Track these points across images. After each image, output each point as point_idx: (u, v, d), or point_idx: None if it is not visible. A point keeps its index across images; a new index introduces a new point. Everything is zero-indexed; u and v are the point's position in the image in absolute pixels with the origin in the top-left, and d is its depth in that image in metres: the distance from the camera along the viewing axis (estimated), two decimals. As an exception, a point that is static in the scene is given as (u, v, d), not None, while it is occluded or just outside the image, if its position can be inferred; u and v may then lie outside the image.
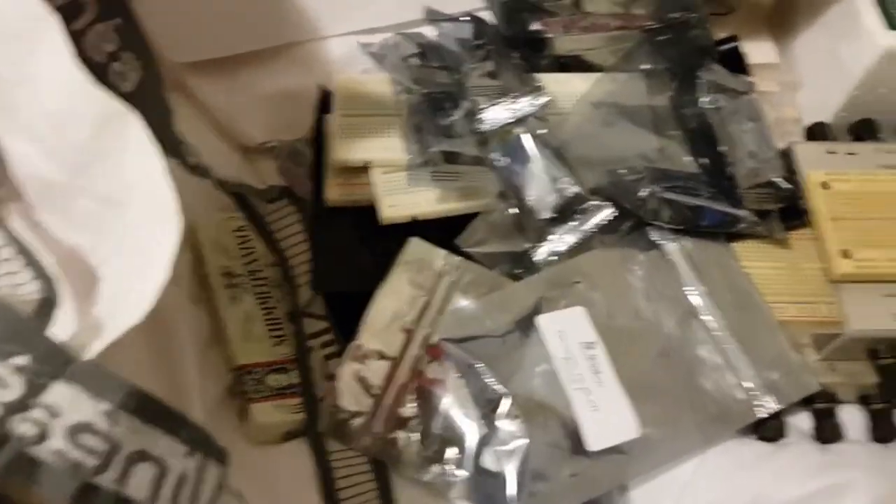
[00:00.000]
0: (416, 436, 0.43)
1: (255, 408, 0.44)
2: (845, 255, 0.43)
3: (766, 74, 0.53)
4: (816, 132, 0.50)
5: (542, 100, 0.46)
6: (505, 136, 0.46)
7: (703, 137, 0.48)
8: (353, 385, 0.44)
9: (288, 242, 0.49)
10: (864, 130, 0.50)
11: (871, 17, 0.48)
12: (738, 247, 0.47)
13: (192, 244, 0.47)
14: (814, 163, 0.46)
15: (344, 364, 0.44)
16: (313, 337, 0.48)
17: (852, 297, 0.43)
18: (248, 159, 0.52)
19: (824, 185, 0.45)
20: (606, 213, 0.45)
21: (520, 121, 0.46)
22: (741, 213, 0.45)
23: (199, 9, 0.50)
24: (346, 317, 0.46)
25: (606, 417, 0.42)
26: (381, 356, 0.44)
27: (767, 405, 0.43)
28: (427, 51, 0.49)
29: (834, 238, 0.43)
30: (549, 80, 0.49)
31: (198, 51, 0.51)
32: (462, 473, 0.42)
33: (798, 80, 0.53)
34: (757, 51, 0.53)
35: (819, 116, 0.52)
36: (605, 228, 0.46)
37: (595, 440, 0.41)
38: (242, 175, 0.51)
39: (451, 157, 0.45)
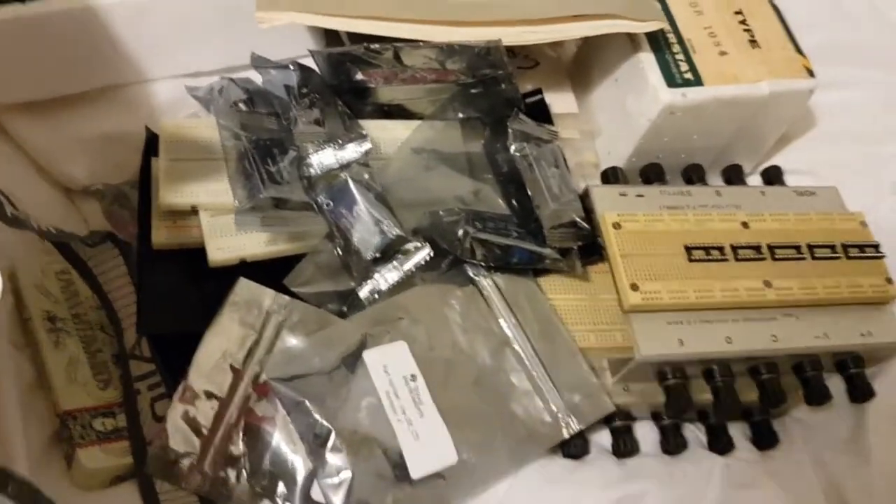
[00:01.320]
0: (245, 474, 0.46)
1: (82, 453, 0.45)
2: (634, 287, 0.49)
3: (567, 123, 0.59)
4: (610, 175, 0.57)
5: (366, 146, 0.51)
6: (331, 181, 0.50)
7: (512, 182, 0.54)
8: (182, 426, 0.46)
9: (112, 285, 0.51)
10: (652, 173, 0.58)
11: (654, 75, 0.55)
12: (545, 281, 0.53)
13: (13, 288, 0.48)
14: (608, 204, 0.53)
15: (173, 405, 0.46)
16: (140, 379, 0.49)
17: (642, 325, 0.49)
18: (72, 202, 0.53)
19: (616, 226, 0.52)
20: (425, 253, 0.49)
21: (344, 166, 0.50)
22: (545, 251, 0.51)
23: (17, 50, 0.50)
24: (174, 358, 0.48)
25: (427, 446, 0.46)
26: (210, 396, 0.46)
27: (571, 426, 0.49)
28: (254, 96, 0.52)
29: (624, 273, 0.50)
30: (372, 126, 0.54)
31: (17, 92, 0.51)
32: (292, 507, 0.45)
33: (596, 129, 0.61)
34: (559, 101, 0.59)
35: (614, 161, 0.59)
36: (426, 266, 0.51)
37: (417, 468, 0.46)
38: (66, 218, 0.52)
39: (279, 203, 0.48)
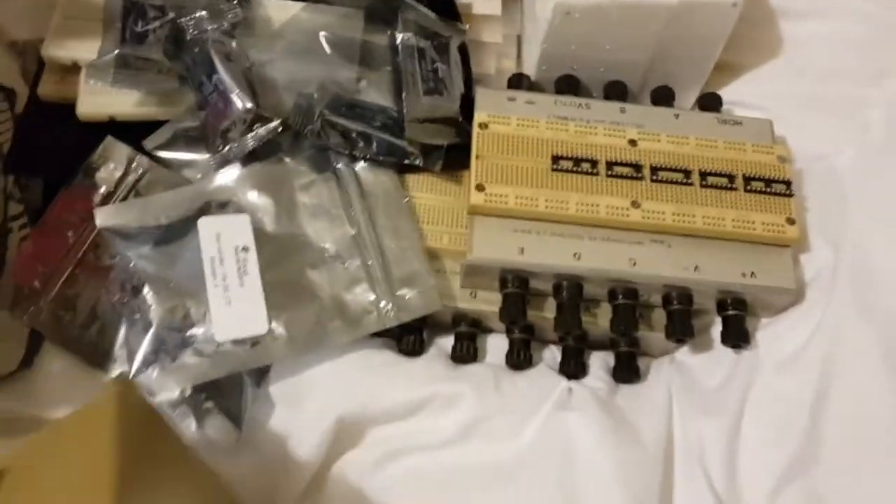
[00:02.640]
0: (79, 317, 0.50)
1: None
2: (479, 188, 0.49)
3: (490, 25, 0.59)
4: (514, 82, 0.57)
5: (236, 18, 0.53)
6: (200, 48, 0.52)
7: (396, 73, 0.54)
8: (32, 263, 0.51)
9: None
10: (565, 85, 0.57)
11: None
12: (414, 178, 0.54)
13: None
14: (486, 106, 0.53)
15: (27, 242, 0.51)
16: (14, 219, 0.54)
17: (482, 229, 0.49)
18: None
19: (482, 126, 0.51)
20: (273, 126, 0.51)
21: (219, 34, 0.53)
22: (402, 144, 0.51)
23: None
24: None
25: (239, 313, 0.49)
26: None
27: (390, 317, 0.50)
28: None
29: (475, 173, 0.50)
30: (271, 4, 0.56)
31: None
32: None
33: (518, 34, 0.60)
34: (483, 2, 0.59)
35: (528, 70, 0.58)
36: (290, 149, 0.53)
37: (223, 332, 0.48)
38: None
39: (143, 63, 0.52)
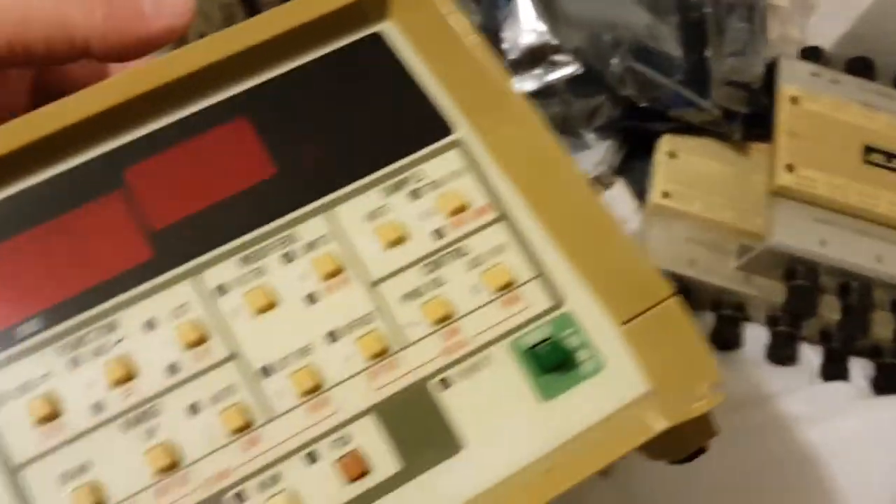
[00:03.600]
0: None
1: None
2: (789, 168, 0.47)
3: (782, -10, 0.56)
4: (809, 55, 0.54)
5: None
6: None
7: (696, 28, 0.51)
8: None
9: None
10: (858, 68, 0.54)
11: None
12: (694, 141, 0.51)
13: None
14: (792, 79, 0.50)
15: None
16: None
17: (784, 212, 0.47)
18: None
19: (793, 100, 0.49)
20: (571, 70, 0.49)
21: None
22: (706, 104, 0.49)
23: None
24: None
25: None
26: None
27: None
28: None
29: (784, 150, 0.47)
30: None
31: None
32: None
33: (813, 4, 0.57)
34: (780, -35, 0.56)
35: (821, 43, 0.55)
36: (573, 91, 0.50)
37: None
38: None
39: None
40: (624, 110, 0.51)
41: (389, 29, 0.27)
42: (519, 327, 0.24)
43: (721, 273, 0.50)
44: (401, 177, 0.25)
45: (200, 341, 0.23)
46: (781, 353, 0.50)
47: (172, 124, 0.25)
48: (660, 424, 0.22)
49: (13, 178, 0.24)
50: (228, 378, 0.23)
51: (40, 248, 0.24)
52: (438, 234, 0.25)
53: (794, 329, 0.50)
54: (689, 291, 0.50)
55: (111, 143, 0.25)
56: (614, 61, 0.49)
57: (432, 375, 0.24)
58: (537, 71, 0.49)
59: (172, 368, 0.23)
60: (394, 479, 0.23)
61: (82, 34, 0.24)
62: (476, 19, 0.50)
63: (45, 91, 0.28)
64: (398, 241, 0.25)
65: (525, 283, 0.25)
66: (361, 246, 0.25)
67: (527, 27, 0.49)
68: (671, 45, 0.51)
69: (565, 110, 0.51)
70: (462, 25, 0.25)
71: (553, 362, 0.23)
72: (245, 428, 0.23)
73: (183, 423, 0.23)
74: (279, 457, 0.23)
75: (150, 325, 0.23)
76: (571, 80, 0.50)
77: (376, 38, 0.27)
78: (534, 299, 0.24)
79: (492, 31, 0.49)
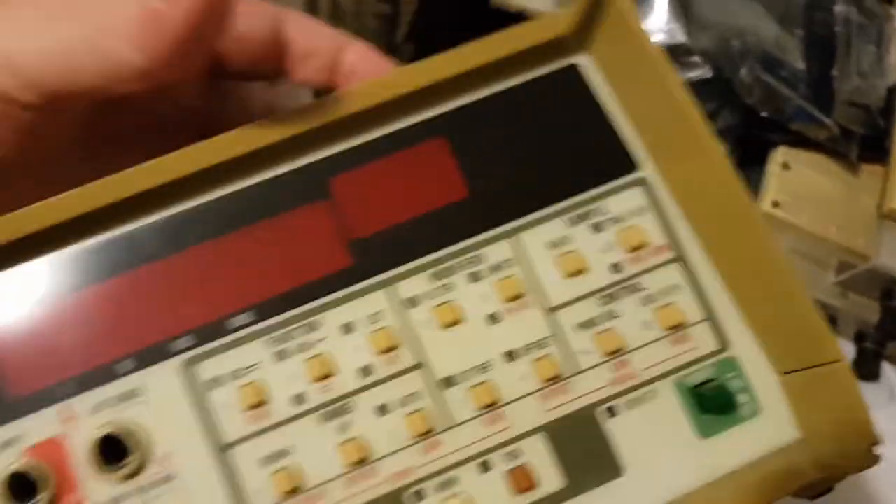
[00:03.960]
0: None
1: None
2: (904, 194, 0.48)
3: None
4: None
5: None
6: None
7: (821, 44, 0.51)
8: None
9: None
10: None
11: None
12: (806, 155, 0.52)
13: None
14: (915, 104, 0.50)
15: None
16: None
17: (893, 234, 0.48)
18: None
19: (914, 126, 0.49)
20: (701, 72, 0.49)
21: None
22: (828, 121, 0.49)
23: None
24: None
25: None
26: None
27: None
28: None
29: (901, 176, 0.48)
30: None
31: None
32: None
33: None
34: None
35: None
36: (697, 92, 0.51)
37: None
38: None
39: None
40: (743, 117, 0.51)
41: (587, 61, 0.28)
42: (685, 366, 0.26)
43: (819, 285, 0.51)
44: (585, 209, 0.27)
45: (391, 348, 0.25)
46: (866, 369, 0.51)
47: (376, 139, 0.27)
48: (813, 474, 0.24)
49: (230, 179, 0.26)
50: (414, 385, 0.25)
51: (252, 246, 0.25)
52: (616, 268, 0.26)
53: (881, 348, 0.51)
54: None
55: (320, 153, 0.26)
56: (744, 70, 0.49)
57: (600, 403, 0.25)
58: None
59: (365, 371, 0.25)
60: (558, 494, 0.25)
61: (128, 63, 0.23)
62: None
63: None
64: (578, 272, 0.26)
65: (695, 324, 0.26)
66: (542, 273, 0.26)
67: (660, 26, 0.49)
68: (795, 56, 0.52)
69: (685, 110, 0.51)
70: (662, 63, 0.26)
71: (716, 404, 0.25)
72: (428, 433, 0.25)
73: (373, 421, 0.25)
74: (456, 462, 0.25)
75: (347, 328, 0.25)
76: (696, 82, 0.51)
77: (573, 70, 0.28)
78: (701, 341, 0.26)
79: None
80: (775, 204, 0.50)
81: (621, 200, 0.27)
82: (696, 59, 0.50)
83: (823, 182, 0.51)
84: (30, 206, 0.24)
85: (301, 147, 0.26)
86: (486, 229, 0.26)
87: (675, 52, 0.50)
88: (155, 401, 0.24)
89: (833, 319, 0.51)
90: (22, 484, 0.23)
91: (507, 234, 0.26)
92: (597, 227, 0.27)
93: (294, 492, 0.24)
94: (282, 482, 0.24)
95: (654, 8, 0.50)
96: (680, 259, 0.26)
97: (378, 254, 0.26)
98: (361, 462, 0.24)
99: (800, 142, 0.51)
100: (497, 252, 0.26)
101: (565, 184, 0.27)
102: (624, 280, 0.26)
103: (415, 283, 0.26)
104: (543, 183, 0.27)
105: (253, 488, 0.24)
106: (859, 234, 0.50)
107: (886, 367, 0.52)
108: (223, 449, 0.24)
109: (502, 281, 0.26)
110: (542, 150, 0.27)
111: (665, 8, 0.50)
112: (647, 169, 0.27)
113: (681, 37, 0.49)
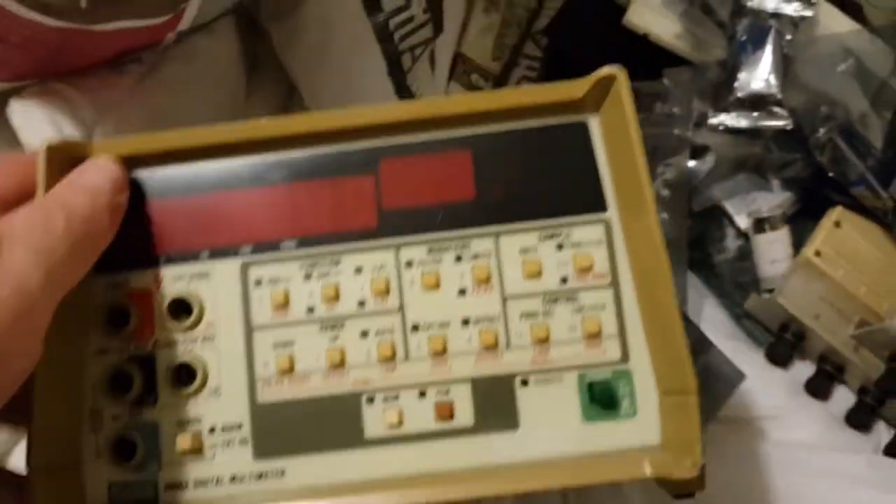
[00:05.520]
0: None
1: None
2: (928, 275, 0.51)
3: None
4: None
5: (808, 13, 0.53)
6: (757, 18, 0.54)
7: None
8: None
9: None
10: None
11: None
12: (861, 220, 0.55)
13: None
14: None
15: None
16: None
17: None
18: None
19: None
20: (783, 123, 0.53)
21: (776, 15, 0.54)
22: (884, 194, 0.53)
23: None
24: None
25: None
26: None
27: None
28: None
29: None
30: (824, 9, 0.56)
31: None
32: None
33: None
34: None
35: None
36: (777, 143, 0.55)
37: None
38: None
39: (705, 8, 0.54)
40: (812, 173, 0.55)
41: (593, 121, 0.34)
42: (590, 366, 0.33)
43: (836, 335, 0.55)
44: (556, 230, 0.34)
45: (384, 292, 0.33)
46: (859, 419, 0.55)
47: (422, 141, 0.34)
48: (648, 472, 0.30)
49: (316, 144, 0.34)
50: (391, 322, 0.33)
51: (312, 194, 0.34)
52: (564, 280, 0.33)
53: (878, 404, 0.55)
54: (803, 338, 0.55)
55: (380, 141, 0.34)
56: (822, 130, 0.53)
57: (518, 374, 0.33)
58: (755, 114, 0.54)
59: (361, 303, 0.33)
60: (466, 429, 0.32)
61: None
62: (721, 54, 0.55)
63: None
64: (534, 275, 0.33)
65: (608, 336, 0.33)
66: (508, 268, 0.33)
67: (761, 75, 0.54)
68: (875, 135, 0.55)
69: (764, 154, 0.55)
70: (637, 137, 0.32)
71: (603, 399, 0.32)
72: (391, 358, 0.33)
73: (355, 339, 0.33)
74: (404, 384, 0.33)
75: (358, 270, 0.34)
76: (779, 132, 0.55)
77: (582, 126, 0.34)
78: (609, 350, 0.33)
79: (731, 68, 0.54)
80: (817, 253, 0.54)
81: (585, 231, 0.34)
82: (782, 111, 0.54)
83: (867, 247, 0.55)
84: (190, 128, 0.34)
85: (369, 133, 0.34)
86: (478, 226, 0.34)
87: (765, 101, 0.54)
88: (216, 284, 0.34)
89: (841, 369, 0.55)
90: (118, 314, 0.33)
91: (493, 234, 0.34)
92: (559, 246, 0.33)
93: (287, 372, 0.33)
94: (282, 362, 0.33)
95: (759, 61, 0.54)
96: (613, 286, 0.33)
97: (396, 223, 0.34)
98: (339, 365, 0.33)
99: (856, 207, 0.55)
100: (481, 245, 0.34)
101: (547, 207, 0.34)
102: (566, 290, 0.33)
103: (415, 251, 0.34)
104: (531, 203, 0.34)
105: (261, 361, 0.33)
106: (885, 300, 0.53)
107: (881, 426, 0.56)
108: (250, 329, 0.33)
109: (478, 266, 0.33)
110: (539, 178, 0.34)
111: (769, 62, 0.54)
112: (612, 212, 0.34)
113: (775, 90, 0.53)
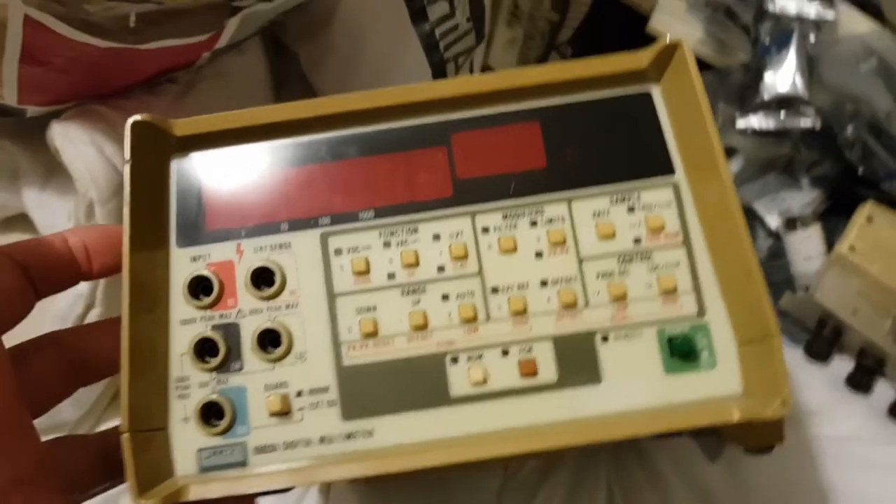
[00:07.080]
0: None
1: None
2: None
3: None
4: None
5: (829, 15, 0.55)
6: (780, 22, 0.56)
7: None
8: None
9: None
10: None
11: None
12: (893, 215, 0.56)
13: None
14: None
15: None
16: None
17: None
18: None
19: None
20: (809, 122, 0.55)
21: (800, 19, 0.56)
22: (913, 188, 0.54)
23: None
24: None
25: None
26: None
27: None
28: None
29: (965, 249, 0.52)
30: (845, 11, 0.58)
31: None
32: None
33: None
34: None
35: None
36: (805, 140, 0.56)
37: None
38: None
39: (730, 14, 0.56)
40: (842, 170, 0.56)
41: (657, 91, 0.35)
42: (668, 321, 0.33)
43: (875, 330, 0.55)
44: (626, 193, 0.34)
45: (462, 257, 0.34)
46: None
47: (492, 114, 0.35)
48: (736, 417, 0.31)
49: (390, 119, 0.35)
50: (471, 286, 0.34)
51: (390, 166, 0.35)
52: (637, 241, 0.34)
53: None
54: (842, 333, 0.56)
55: (451, 115, 0.35)
56: (850, 128, 0.54)
57: (599, 331, 0.33)
58: (782, 114, 0.55)
59: (440, 268, 0.34)
60: (550, 385, 0.33)
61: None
62: (744, 58, 0.57)
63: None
64: (608, 237, 0.34)
65: (684, 292, 0.33)
66: (583, 231, 0.34)
67: (786, 77, 0.55)
68: (900, 128, 0.56)
69: (793, 154, 0.57)
70: (705, 103, 0.33)
71: (682, 351, 0.32)
72: (472, 319, 0.33)
73: (436, 303, 0.34)
74: (486, 344, 0.33)
75: (436, 237, 0.34)
76: (807, 132, 0.56)
77: (646, 96, 0.35)
78: (686, 305, 0.33)
79: (755, 71, 0.56)
80: (852, 248, 0.55)
81: (654, 194, 0.34)
82: (810, 110, 0.55)
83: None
84: (259, 108, 0.35)
85: (440, 108, 0.35)
86: (551, 192, 0.35)
87: (793, 102, 0.55)
88: (298, 254, 0.34)
89: (881, 362, 0.56)
90: (201, 285, 0.34)
91: (565, 199, 0.34)
92: (631, 209, 0.34)
93: (371, 335, 0.33)
94: (366, 327, 0.33)
95: (784, 63, 0.56)
96: (685, 245, 0.34)
97: (471, 192, 0.35)
98: (422, 327, 0.33)
99: (887, 201, 0.56)
100: (555, 210, 0.34)
101: (617, 172, 0.35)
102: (641, 250, 0.34)
103: (491, 217, 0.34)
104: (602, 168, 0.35)
105: (345, 325, 0.33)
106: (922, 293, 0.54)
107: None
108: (332, 296, 0.34)
109: (553, 230, 0.34)
110: (606, 146, 0.35)
111: (794, 64, 0.55)
112: (679, 175, 0.35)
113: (801, 90, 0.55)
